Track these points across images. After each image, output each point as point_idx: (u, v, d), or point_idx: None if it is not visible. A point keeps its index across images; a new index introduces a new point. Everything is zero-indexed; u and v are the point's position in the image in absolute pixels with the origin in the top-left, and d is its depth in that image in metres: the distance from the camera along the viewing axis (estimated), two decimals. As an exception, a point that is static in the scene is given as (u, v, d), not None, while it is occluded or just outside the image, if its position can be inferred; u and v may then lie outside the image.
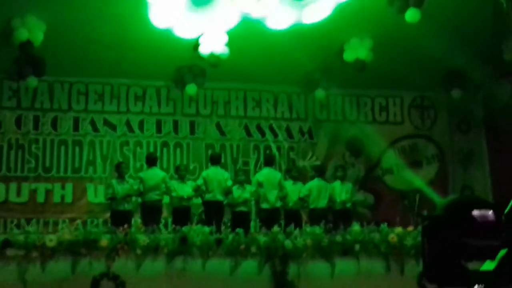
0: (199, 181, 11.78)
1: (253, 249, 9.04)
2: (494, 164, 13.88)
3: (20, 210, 12.74)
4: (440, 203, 2.71)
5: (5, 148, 13.00)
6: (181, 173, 12.05)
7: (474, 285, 2.54)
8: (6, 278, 8.36)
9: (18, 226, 11.88)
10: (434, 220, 2.61)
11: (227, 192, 11.70)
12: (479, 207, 2.54)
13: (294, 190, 12.10)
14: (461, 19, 11.11)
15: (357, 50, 12.27)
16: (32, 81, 12.39)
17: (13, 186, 12.87)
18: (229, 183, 11.81)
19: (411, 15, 10.52)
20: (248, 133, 14.17)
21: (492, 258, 2.54)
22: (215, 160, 12.25)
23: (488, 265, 2.55)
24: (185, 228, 9.13)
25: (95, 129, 13.48)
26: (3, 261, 8.43)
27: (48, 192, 13.02)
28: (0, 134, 13.03)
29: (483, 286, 2.55)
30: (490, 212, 2.53)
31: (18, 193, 12.87)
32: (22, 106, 13.20)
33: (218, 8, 10.68)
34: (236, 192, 11.73)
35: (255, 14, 10.69)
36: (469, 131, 14.64)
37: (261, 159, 13.78)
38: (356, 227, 9.76)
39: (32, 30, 11.16)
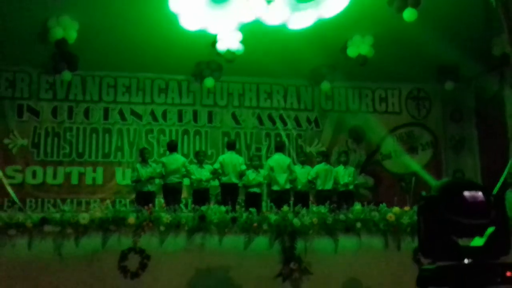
0: (216, 165, 11.78)
1: (265, 226, 9.02)
2: (484, 150, 13.79)
3: (56, 191, 12.85)
4: (434, 185, 2.69)
5: (43, 136, 13.09)
6: (200, 158, 12.06)
7: (464, 259, 2.53)
8: (44, 252, 8.42)
9: (54, 205, 11.96)
10: (429, 200, 2.60)
11: (241, 175, 11.71)
12: (469, 189, 2.52)
13: (303, 173, 12.09)
14: (454, 17, 11.01)
15: (359, 47, 12.20)
16: (67, 75, 12.45)
17: (49, 169, 12.97)
18: (243, 167, 11.81)
19: (409, 14, 10.44)
20: (261, 122, 14.17)
21: (481, 235, 2.52)
22: (230, 146, 12.25)
23: (478, 241, 2.54)
24: (203, 208, 9.12)
25: (123, 118, 13.53)
26: (41, 237, 8.48)
27: (81, 175, 13.11)
28: (38, 123, 13.11)
29: (472, 260, 2.53)
30: (480, 193, 2.51)
31: (54, 176, 12.97)
32: (57, 98, 13.27)
33: (232, 8, 10.60)
34: (251, 175, 11.73)
35: (264, 17, 10.60)
36: (461, 120, 14.54)
37: (272, 145, 13.79)
38: (357, 206, 9.71)
39: (67, 29, 11.18)
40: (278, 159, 11.97)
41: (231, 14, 10.60)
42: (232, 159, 11.76)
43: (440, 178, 12.93)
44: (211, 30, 11.15)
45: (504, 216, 2.63)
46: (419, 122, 14.84)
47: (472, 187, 2.54)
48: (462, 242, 2.52)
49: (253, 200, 11.27)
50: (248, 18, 10.60)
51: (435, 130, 14.79)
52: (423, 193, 2.71)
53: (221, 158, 11.98)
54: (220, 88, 13.92)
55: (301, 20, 10.97)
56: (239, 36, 11.31)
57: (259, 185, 11.75)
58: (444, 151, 14.65)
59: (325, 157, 12.73)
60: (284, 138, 14.03)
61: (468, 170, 13.94)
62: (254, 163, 12.08)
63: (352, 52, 12.28)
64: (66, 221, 8.56)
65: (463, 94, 14.06)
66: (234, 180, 11.60)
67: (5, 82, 13.01)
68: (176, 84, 13.86)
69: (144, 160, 11.79)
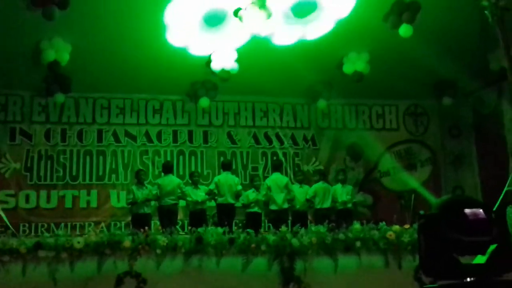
0: (212, 186, 11.78)
1: (263, 247, 9.00)
2: (483, 165, 13.80)
3: (50, 215, 12.77)
4: (435, 203, 2.69)
5: (36, 159, 13.04)
6: (194, 179, 12.05)
7: (467, 277, 2.53)
8: (38, 277, 8.37)
9: (48, 229, 11.90)
10: (430, 218, 2.60)
11: (238, 195, 11.72)
12: (470, 206, 2.53)
13: (301, 192, 12.10)
14: (450, 33, 11.09)
15: (355, 63, 12.27)
16: (60, 97, 12.47)
17: (43, 193, 12.90)
18: (239, 187, 11.82)
19: (404, 30, 10.53)
20: (257, 141, 14.17)
21: (483, 252, 2.52)
22: (226, 166, 12.26)
23: (480, 259, 2.54)
24: (200, 229, 9.11)
25: (117, 140, 13.51)
26: (35, 262, 8.44)
27: (75, 198, 13.04)
28: (31, 146, 13.07)
29: (475, 278, 2.53)
30: (481, 211, 2.51)
31: (48, 200, 12.90)
32: (50, 120, 13.25)
33: (229, 28, 10.71)
34: (252, 195, 11.77)
35: (263, 33, 10.71)
36: (459, 136, 14.58)
37: (269, 164, 13.78)
38: (356, 225, 9.71)
39: (59, 51, 11.22)
40: (276, 179, 11.98)
41: (229, 35, 10.72)
42: (227, 180, 11.77)
43: (440, 195, 12.93)
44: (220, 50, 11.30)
45: (505, 233, 2.64)
46: (417, 139, 14.87)
47: (473, 204, 2.55)
48: (464, 260, 2.52)
49: (254, 220, 11.29)
50: (246, 36, 10.72)
51: (434, 146, 14.82)
52: (421, 212, 2.72)
53: (216, 178, 11.99)
54: (215, 107, 13.94)
55: (286, 36, 11.08)
56: (233, 55, 11.37)
57: (257, 202, 11.74)
58: (443, 167, 14.66)
59: (322, 175, 12.77)
60: (281, 157, 14.02)
61: (467, 186, 13.95)
62: (256, 183, 12.12)
63: (348, 69, 12.35)
64: (61, 246, 8.52)
65: (461, 110, 14.11)
66: (230, 200, 11.60)
67: (-3, 105, 13.02)
68: (171, 104, 13.87)
69: (140, 182, 11.78)
